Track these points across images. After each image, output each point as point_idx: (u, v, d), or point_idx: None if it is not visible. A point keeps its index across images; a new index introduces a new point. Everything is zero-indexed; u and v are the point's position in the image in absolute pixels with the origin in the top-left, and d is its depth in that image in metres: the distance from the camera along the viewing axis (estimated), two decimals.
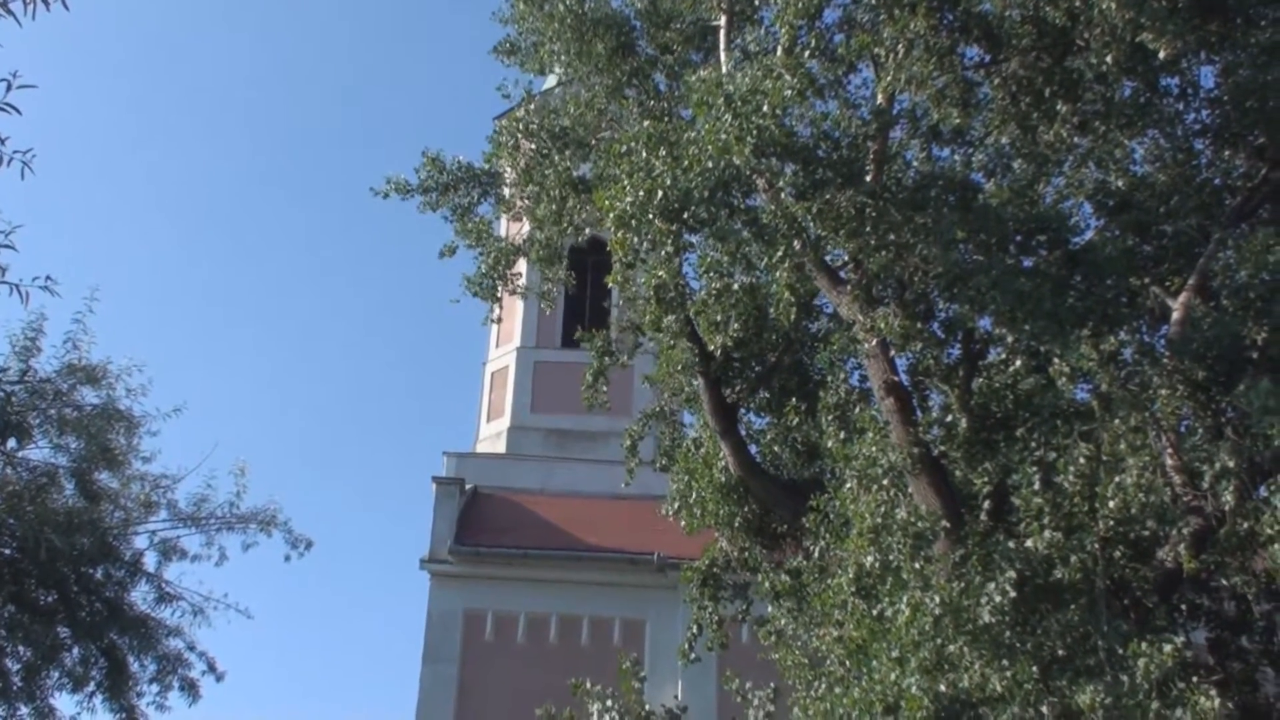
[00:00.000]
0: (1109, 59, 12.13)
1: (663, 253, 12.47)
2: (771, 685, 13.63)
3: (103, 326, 18.61)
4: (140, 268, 68.01)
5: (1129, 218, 12.90)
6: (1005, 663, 10.16)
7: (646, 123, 13.51)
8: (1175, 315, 12.05)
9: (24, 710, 16.89)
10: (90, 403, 18.23)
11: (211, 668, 19.21)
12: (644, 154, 12.23)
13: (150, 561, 19.20)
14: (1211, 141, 13.44)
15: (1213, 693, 9.98)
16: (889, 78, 12.39)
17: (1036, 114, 12.94)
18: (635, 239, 12.22)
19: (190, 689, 18.92)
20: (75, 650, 17.97)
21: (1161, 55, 12.03)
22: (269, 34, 70.11)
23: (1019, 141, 13.22)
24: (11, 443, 14.79)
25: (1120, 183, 13.23)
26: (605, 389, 16.45)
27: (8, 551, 16.53)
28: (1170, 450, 11.56)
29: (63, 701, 17.70)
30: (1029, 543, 10.86)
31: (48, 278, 9.75)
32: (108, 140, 67.58)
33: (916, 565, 10.98)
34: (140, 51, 68.04)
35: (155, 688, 18.70)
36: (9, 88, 7.95)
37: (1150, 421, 11.34)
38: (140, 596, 18.88)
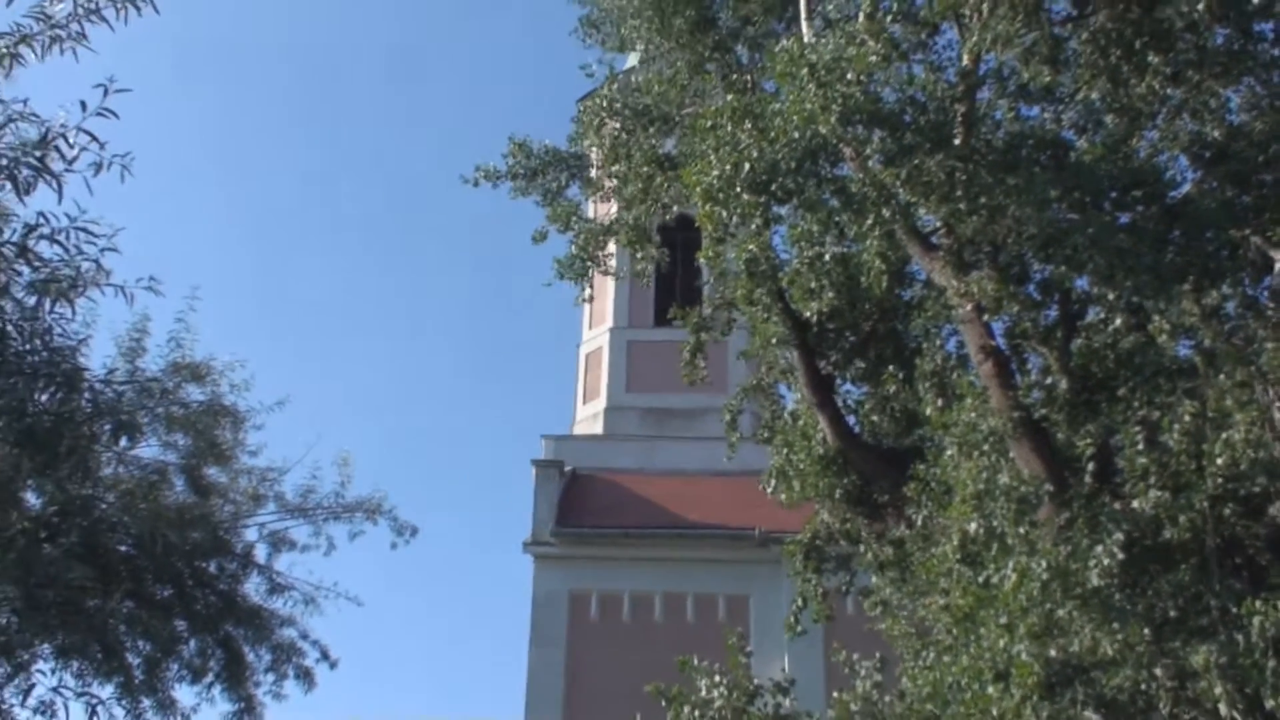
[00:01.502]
0: (1200, 6, 11.85)
1: (752, 226, 12.44)
2: (877, 655, 13.55)
3: (204, 325, 18.93)
4: (238, 265, 69.23)
5: (1227, 168, 12.61)
6: (1116, 626, 10.01)
7: (730, 96, 13.45)
8: (1278, 266, 11.79)
9: (146, 703, 17.26)
10: (196, 400, 18.54)
11: (325, 655, 19.49)
12: (729, 128, 12.18)
13: (261, 553, 19.54)
14: None
15: None
16: (974, 38, 12.21)
17: (1127, 67, 12.68)
18: (723, 213, 12.18)
19: (305, 677, 19.22)
20: (193, 643, 18.31)
21: (1254, 0, 11.74)
22: (351, 24, 70.86)
23: (1110, 96, 12.96)
24: (124, 441, 15.09)
25: (1216, 133, 12.92)
26: (704, 365, 16.46)
27: (124, 549, 16.89)
28: (1278, 404, 11.31)
29: (182, 693, 18.07)
30: (1135, 504, 10.68)
31: (151, 278, 9.97)
32: (201, 138, 68.77)
33: (1021, 530, 10.85)
34: (233, 47, 69.12)
35: (271, 677, 19.02)
36: (106, 93, 8.14)
37: (1256, 375, 11.09)
38: (253, 588, 19.21)
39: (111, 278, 9.66)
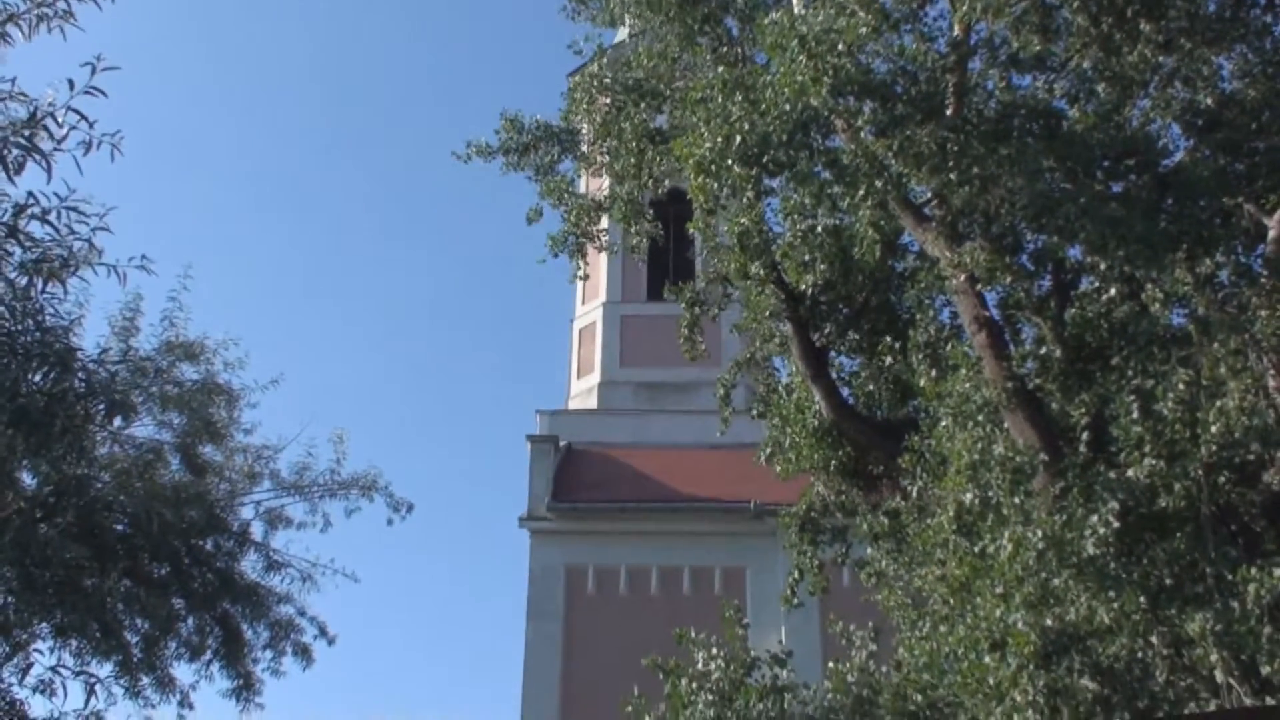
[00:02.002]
0: None
1: (744, 199, 12.41)
2: (872, 625, 13.59)
3: (197, 303, 18.90)
4: (229, 243, 69.06)
5: (1219, 136, 12.60)
6: (1112, 594, 10.05)
7: (721, 69, 13.42)
8: (1271, 234, 11.80)
9: (145, 680, 17.30)
10: (190, 378, 18.52)
11: (323, 632, 19.53)
12: (720, 100, 12.15)
13: (258, 531, 19.54)
14: None
15: None
16: (965, 7, 12.16)
17: (1119, 35, 12.64)
18: (715, 185, 12.16)
19: (303, 653, 19.27)
20: (190, 620, 18.35)
21: None
22: (345, 5, 70.53)
23: (1102, 64, 12.93)
24: (118, 421, 15.07)
25: (1209, 101, 12.91)
26: (701, 340, 16.46)
27: (120, 528, 16.88)
28: (1272, 371, 11.31)
29: (181, 670, 18.11)
30: (1130, 472, 10.70)
31: (143, 257, 9.92)
32: (192, 117, 68.53)
33: (1016, 500, 10.88)
34: (220, 26, 68.81)
35: (269, 654, 19.06)
36: (94, 71, 8.10)
37: (1250, 343, 11.11)
38: (250, 565, 19.23)
39: (103, 257, 9.62)
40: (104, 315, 17.46)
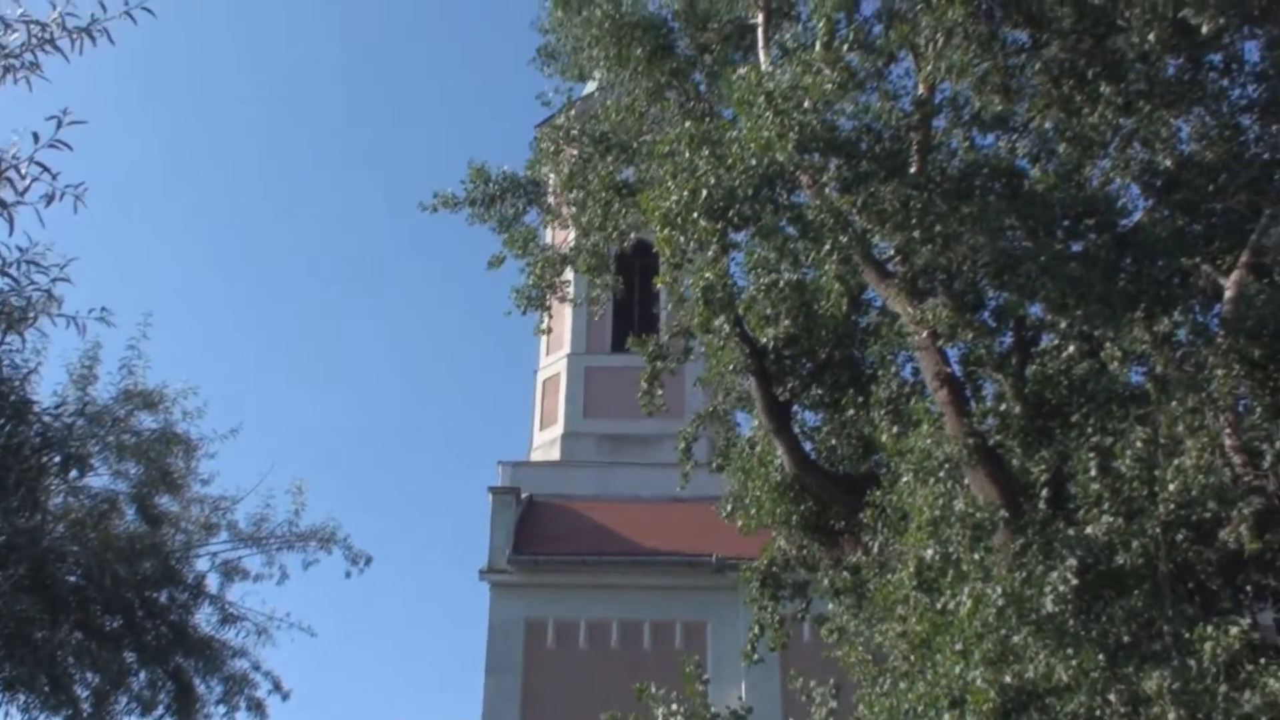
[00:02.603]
0: (1151, 37, 12.04)
1: (709, 252, 12.46)
2: (833, 682, 13.55)
3: (157, 352, 18.80)
4: (190, 293, 68.65)
5: (1177, 197, 12.77)
6: (1070, 651, 10.05)
7: (688, 123, 13.50)
8: (1228, 294, 11.92)
9: None
10: (148, 428, 18.40)
11: (277, 687, 19.32)
12: (687, 154, 12.23)
13: (213, 583, 19.37)
14: (1258, 116, 13.30)
15: None
16: (929, 67, 12.33)
17: (1080, 96, 12.84)
18: (681, 239, 12.22)
19: (257, 709, 19.03)
20: (142, 674, 18.12)
21: (1204, 31, 11.93)
22: (307, 55, 70.70)
23: (1063, 125, 13.12)
24: (73, 474, 14.95)
25: (1167, 162, 13.10)
26: (661, 393, 16.45)
27: (73, 579, 16.69)
28: (1229, 430, 11.42)
29: None
30: (1089, 529, 10.74)
31: (103, 309, 9.90)
32: (153, 168, 68.34)
33: (976, 556, 10.89)
34: (183, 79, 68.77)
35: (222, 709, 18.83)
36: (59, 125, 8.06)
37: (1207, 402, 11.21)
38: (205, 618, 19.04)
39: (63, 307, 9.59)
40: (62, 363, 17.36)
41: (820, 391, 15.13)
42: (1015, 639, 10.23)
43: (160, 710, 18.17)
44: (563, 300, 17.74)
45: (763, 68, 13.54)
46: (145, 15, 7.71)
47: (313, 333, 69.92)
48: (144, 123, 66.55)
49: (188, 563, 19.09)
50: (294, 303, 70.00)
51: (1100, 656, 10.07)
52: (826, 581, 14.16)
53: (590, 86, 19.31)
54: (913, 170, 12.19)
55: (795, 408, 15.24)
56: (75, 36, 8.00)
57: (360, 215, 71.45)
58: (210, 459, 19.52)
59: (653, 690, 13.58)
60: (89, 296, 9.92)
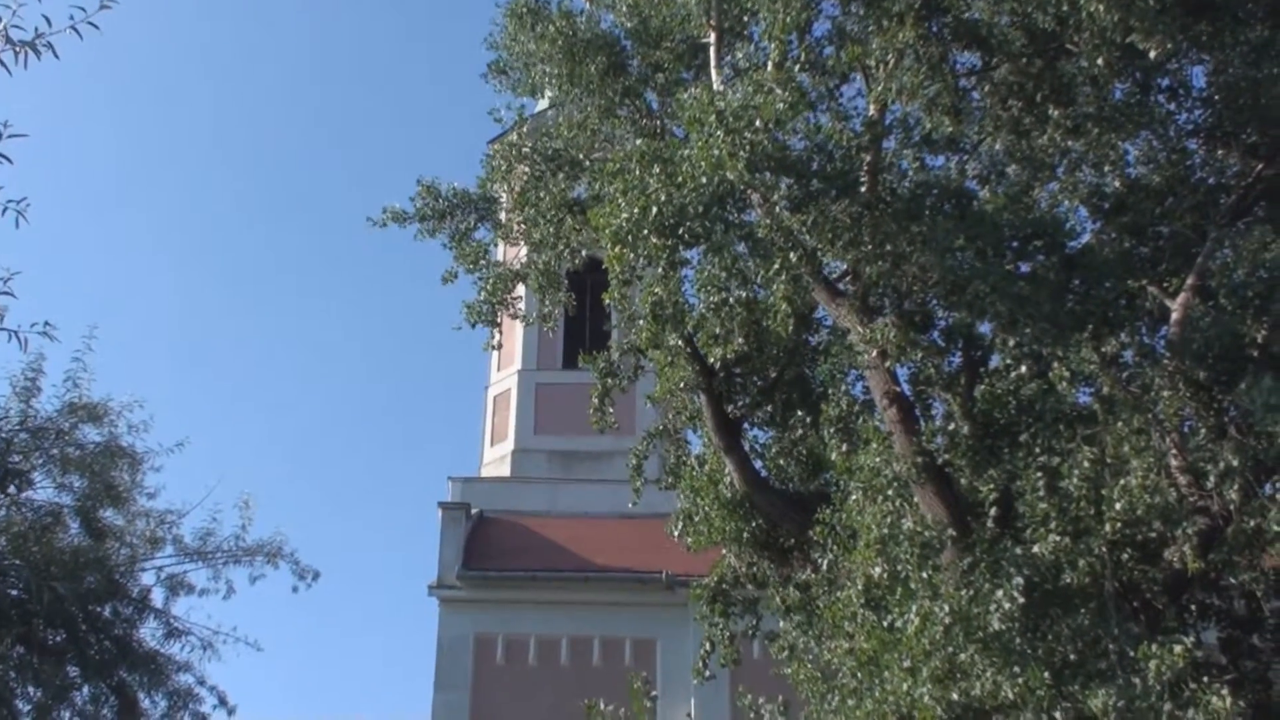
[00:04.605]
0: (1099, 61, 12.17)
1: (659, 269, 12.46)
2: (782, 699, 13.56)
3: (102, 365, 18.64)
4: (136, 305, 68.02)
5: (1125, 220, 12.91)
6: (1016, 669, 10.12)
7: (640, 141, 13.52)
8: (1174, 316, 12.06)
9: None
10: (92, 441, 18.25)
11: (223, 702, 19.17)
12: (638, 172, 12.24)
13: (158, 597, 19.22)
14: (1205, 141, 13.47)
15: (1225, 692, 9.94)
16: (880, 88, 12.41)
17: (1029, 119, 12.97)
18: (631, 255, 12.23)
19: None
20: (85, 689, 17.94)
21: (1152, 56, 12.08)
22: (258, 68, 70.32)
23: (1012, 147, 13.24)
24: (10, 489, 14.78)
25: (1115, 185, 13.25)
26: (612, 410, 16.41)
27: (14, 593, 16.49)
28: (1174, 451, 11.55)
29: None
30: (1036, 548, 10.82)
31: (46, 323, 9.74)
32: (100, 179, 67.73)
33: (924, 575, 10.95)
34: (129, 91, 68.22)
35: None
36: (0, 137, 7.95)
37: (1153, 423, 11.33)
38: (149, 633, 18.89)
39: (4, 321, 9.46)
40: (4, 375, 17.17)
41: (770, 409, 15.16)
42: (962, 656, 10.28)
43: None
44: (514, 316, 17.69)
45: (715, 87, 13.58)
46: (106, 18, 7.58)
47: (262, 346, 69.51)
48: (95, 133, 65.98)
49: (132, 577, 18.93)
50: (243, 316, 69.53)
51: (1046, 674, 10.14)
52: (776, 599, 14.19)
53: (543, 103, 19.32)
54: (863, 190, 12.24)
55: (745, 425, 15.26)
56: (19, 50, 7.90)
57: (311, 229, 71.15)
58: (156, 472, 19.41)
59: (601, 707, 13.57)
60: (33, 308, 9.81)
